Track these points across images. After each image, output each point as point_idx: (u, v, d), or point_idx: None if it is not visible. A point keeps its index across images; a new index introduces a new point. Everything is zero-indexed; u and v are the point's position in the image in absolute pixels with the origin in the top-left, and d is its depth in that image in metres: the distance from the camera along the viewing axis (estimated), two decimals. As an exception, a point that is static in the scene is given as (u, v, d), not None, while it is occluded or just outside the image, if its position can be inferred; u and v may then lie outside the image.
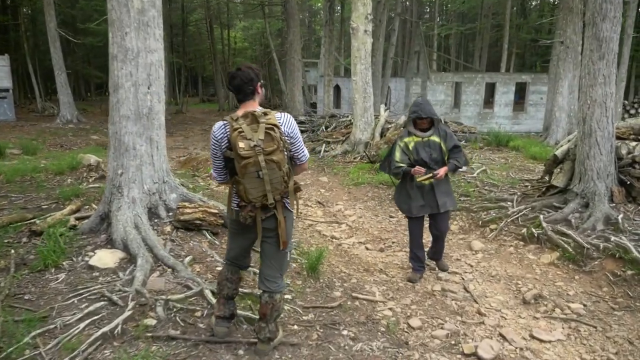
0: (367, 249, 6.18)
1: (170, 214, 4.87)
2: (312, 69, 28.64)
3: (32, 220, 5.07)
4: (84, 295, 3.50)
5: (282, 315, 3.46)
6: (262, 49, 35.63)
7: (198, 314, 3.38)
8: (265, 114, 2.70)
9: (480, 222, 6.53)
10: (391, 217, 7.37)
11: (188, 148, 17.09)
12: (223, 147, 2.74)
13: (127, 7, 4.27)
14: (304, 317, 3.69)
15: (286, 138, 2.71)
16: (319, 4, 30.96)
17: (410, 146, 4.60)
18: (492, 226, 6.35)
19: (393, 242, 6.32)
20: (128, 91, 4.45)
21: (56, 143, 14.57)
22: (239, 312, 3.39)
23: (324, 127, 13.84)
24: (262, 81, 2.87)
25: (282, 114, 2.79)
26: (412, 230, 4.91)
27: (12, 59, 26.58)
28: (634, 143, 6.28)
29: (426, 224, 5.03)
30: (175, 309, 3.36)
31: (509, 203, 6.79)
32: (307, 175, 10.16)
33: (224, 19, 34.92)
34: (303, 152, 2.87)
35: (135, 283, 3.58)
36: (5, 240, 4.58)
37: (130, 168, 4.58)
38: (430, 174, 4.52)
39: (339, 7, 30.45)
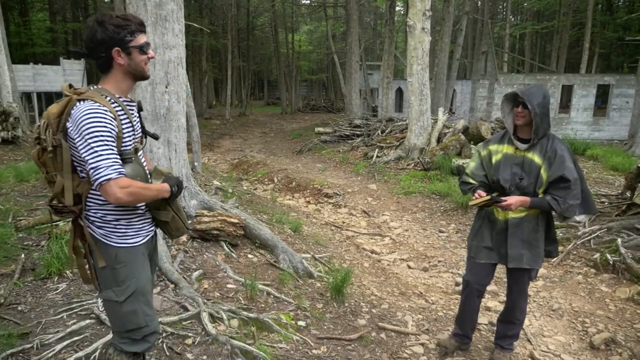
0: (409, 267, 5.56)
1: (189, 222, 4.54)
2: (376, 72, 27.96)
3: (57, 222, 4.96)
4: (75, 311, 3.21)
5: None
6: (326, 52, 35.46)
7: (189, 341, 2.97)
8: (67, 97, 1.85)
9: (544, 242, 5.65)
10: (441, 231, 6.66)
11: (244, 150, 17.13)
12: None
13: (143, 0, 4.00)
14: (313, 351, 3.17)
15: (72, 140, 1.85)
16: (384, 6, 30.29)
17: (495, 159, 3.05)
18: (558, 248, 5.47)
19: (439, 262, 5.63)
20: (144, 90, 4.18)
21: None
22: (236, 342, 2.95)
23: (379, 132, 13.20)
24: (132, 44, 1.91)
25: (87, 105, 1.79)
26: (467, 279, 3.26)
27: (91, 63, 28.36)
28: None
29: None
30: (165, 334, 2.97)
31: (580, 222, 5.85)
32: (355, 182, 9.62)
33: (289, 23, 35.13)
34: (92, 169, 1.78)
35: (130, 300, 3.24)
36: (25, 243, 4.47)
37: (146, 172, 4.30)
38: (488, 198, 2.89)
39: (401, 6, 29.57)
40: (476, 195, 2.97)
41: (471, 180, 3.15)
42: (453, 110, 19.98)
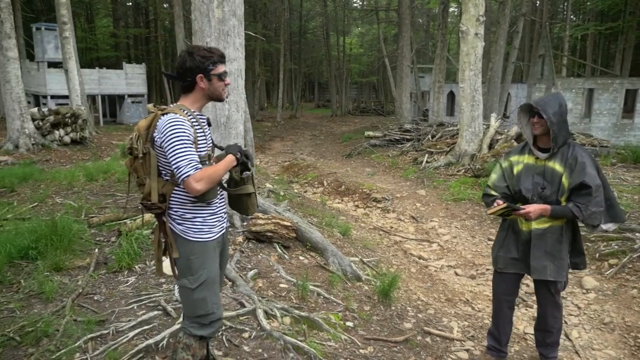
0: (456, 274, 5.61)
1: (245, 223, 4.83)
2: (427, 74, 27.69)
3: (124, 220, 5.39)
4: (143, 302, 3.54)
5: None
6: (377, 55, 35.45)
7: (246, 335, 3.21)
8: (152, 113, 2.24)
9: (597, 254, 5.54)
10: (490, 239, 6.62)
11: (294, 153, 17.51)
12: None
13: (208, 17, 4.31)
14: (360, 351, 3.33)
15: (158, 147, 2.20)
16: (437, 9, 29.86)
17: (516, 169, 3.09)
18: (612, 261, 5.35)
19: (487, 270, 5.63)
20: (207, 100, 4.49)
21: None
22: (288, 338, 3.16)
23: (429, 136, 13.15)
24: (212, 73, 2.24)
25: (169, 117, 2.14)
26: (496, 291, 3.35)
27: (151, 67, 29.86)
28: None
29: None
30: (224, 327, 3.23)
31: (637, 234, 5.67)
32: (404, 187, 9.67)
33: (341, 26, 35.40)
34: (175, 168, 2.11)
35: (192, 294, 3.54)
36: (97, 239, 4.90)
37: (207, 176, 4.61)
38: (504, 205, 2.91)
39: (455, 7, 29.09)
40: (495, 204, 2.97)
41: (493, 192, 3.18)
42: (507, 115, 19.49)
